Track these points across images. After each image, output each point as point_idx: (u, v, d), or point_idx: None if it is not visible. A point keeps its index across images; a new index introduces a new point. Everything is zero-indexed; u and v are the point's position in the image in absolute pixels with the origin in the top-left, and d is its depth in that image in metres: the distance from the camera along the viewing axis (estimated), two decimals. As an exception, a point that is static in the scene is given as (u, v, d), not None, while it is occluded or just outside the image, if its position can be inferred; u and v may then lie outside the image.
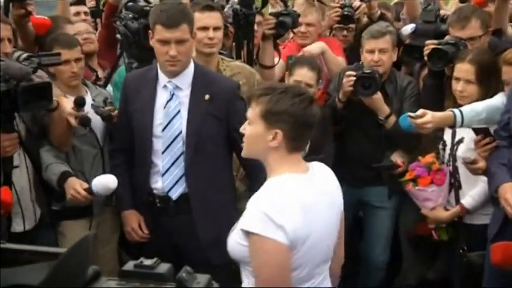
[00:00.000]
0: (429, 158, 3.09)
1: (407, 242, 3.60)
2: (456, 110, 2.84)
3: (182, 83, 2.74)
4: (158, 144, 2.74)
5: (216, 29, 3.11)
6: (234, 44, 3.59)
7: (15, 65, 2.48)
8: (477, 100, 2.95)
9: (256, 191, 1.95)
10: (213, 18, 3.11)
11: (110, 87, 3.41)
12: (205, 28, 3.07)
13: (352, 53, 3.93)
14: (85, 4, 4.38)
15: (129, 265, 0.89)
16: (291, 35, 4.08)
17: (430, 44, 3.23)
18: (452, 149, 3.11)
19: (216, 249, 2.68)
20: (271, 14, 3.60)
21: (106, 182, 2.63)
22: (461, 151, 3.05)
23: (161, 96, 2.75)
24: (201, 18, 3.05)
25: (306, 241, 1.87)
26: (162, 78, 2.75)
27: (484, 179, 2.86)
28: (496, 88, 2.97)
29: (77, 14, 4.12)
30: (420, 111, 2.81)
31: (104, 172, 2.93)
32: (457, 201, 3.09)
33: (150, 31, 2.70)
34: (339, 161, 3.28)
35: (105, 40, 3.79)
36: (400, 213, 3.61)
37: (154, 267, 0.88)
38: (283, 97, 1.90)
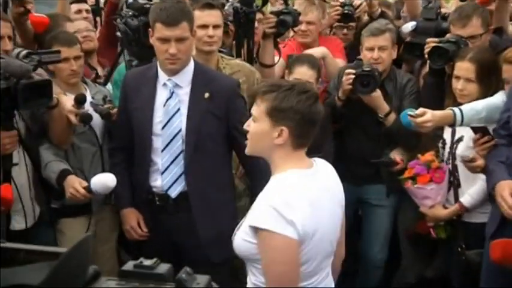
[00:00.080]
0: (428, 156, 3.09)
1: (406, 240, 3.61)
2: (456, 109, 2.84)
3: (182, 81, 2.74)
4: (158, 142, 2.73)
5: (215, 27, 3.11)
6: (234, 42, 3.59)
7: (15, 62, 2.47)
8: (477, 99, 2.95)
9: (257, 190, 1.95)
10: (212, 16, 3.11)
11: (109, 86, 3.41)
12: (205, 26, 3.07)
13: (353, 52, 3.93)
14: (86, 2, 4.37)
15: (129, 265, 0.89)
16: (291, 33, 4.08)
17: (431, 42, 3.23)
18: (451, 147, 3.11)
19: (215, 247, 2.69)
20: (272, 12, 3.60)
21: (105, 180, 2.63)
22: (460, 149, 3.05)
23: (161, 94, 2.75)
24: (201, 16, 3.05)
25: (313, 236, 1.88)
26: (162, 76, 2.75)
27: (483, 177, 2.86)
28: (496, 87, 2.97)
29: (79, 11, 4.12)
30: (420, 110, 2.81)
31: (103, 170, 2.94)
32: (456, 199, 3.09)
33: (150, 29, 2.70)
34: (338, 159, 3.28)
35: (105, 38, 3.79)
36: (399, 212, 3.61)
37: (154, 268, 0.88)
38: (289, 94, 1.90)
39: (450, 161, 3.11)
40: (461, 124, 2.85)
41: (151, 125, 2.74)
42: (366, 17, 4.22)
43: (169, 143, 2.72)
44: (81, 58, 3.03)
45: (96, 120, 2.92)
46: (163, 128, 2.72)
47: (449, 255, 3.21)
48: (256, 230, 1.86)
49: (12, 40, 2.91)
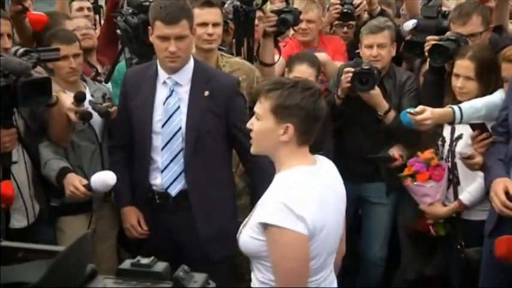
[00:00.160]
0: (428, 153, 3.10)
1: (406, 237, 3.61)
2: (455, 107, 2.85)
3: (182, 79, 2.74)
4: (157, 141, 2.73)
5: (215, 25, 3.11)
6: (234, 40, 3.58)
7: (14, 60, 2.47)
8: (476, 97, 2.95)
9: (257, 188, 1.95)
10: (212, 14, 3.11)
11: (109, 84, 3.40)
12: (204, 24, 3.07)
13: (353, 50, 3.93)
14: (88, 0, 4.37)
15: (126, 264, 0.89)
16: (291, 32, 4.08)
17: (431, 40, 3.24)
18: (451, 145, 3.11)
19: (215, 245, 2.70)
20: (272, 11, 3.59)
21: (105, 178, 2.63)
22: (460, 147, 3.05)
23: (161, 93, 2.75)
24: (201, 14, 3.05)
25: (321, 232, 1.89)
26: (162, 75, 2.75)
27: (482, 175, 2.86)
28: (495, 85, 2.97)
29: (80, 9, 4.11)
30: (419, 108, 2.82)
31: (102, 168, 2.94)
32: (456, 197, 3.09)
33: (149, 27, 2.70)
34: (338, 157, 3.28)
35: (105, 35, 3.78)
36: (399, 209, 3.61)
37: (151, 266, 0.88)
38: (294, 91, 1.91)
39: (449, 159, 3.11)
40: (461, 122, 2.85)
41: (151, 123, 2.73)
42: (366, 15, 4.22)
43: (169, 141, 2.72)
44: (80, 56, 3.02)
45: (96, 118, 2.92)
46: (163, 126, 2.72)
47: (448, 252, 3.21)
48: (265, 226, 1.86)
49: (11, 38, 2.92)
